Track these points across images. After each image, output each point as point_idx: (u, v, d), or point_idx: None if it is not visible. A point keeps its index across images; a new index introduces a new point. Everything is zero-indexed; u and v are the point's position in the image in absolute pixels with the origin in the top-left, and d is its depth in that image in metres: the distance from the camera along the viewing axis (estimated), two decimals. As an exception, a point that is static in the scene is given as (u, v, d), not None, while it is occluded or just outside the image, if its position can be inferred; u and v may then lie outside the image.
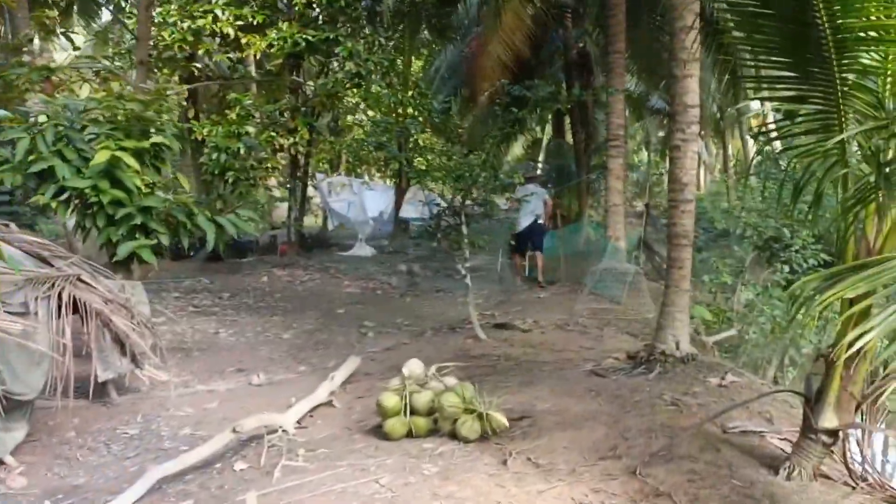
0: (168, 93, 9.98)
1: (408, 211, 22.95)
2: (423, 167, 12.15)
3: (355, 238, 22.84)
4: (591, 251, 16.17)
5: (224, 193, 15.88)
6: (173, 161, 9.73)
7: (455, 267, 18.01)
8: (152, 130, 8.81)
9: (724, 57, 17.06)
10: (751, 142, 40.87)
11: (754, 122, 48.81)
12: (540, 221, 16.48)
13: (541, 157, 39.40)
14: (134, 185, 8.29)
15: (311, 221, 28.84)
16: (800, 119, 5.07)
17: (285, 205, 26.35)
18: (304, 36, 16.45)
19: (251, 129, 16.72)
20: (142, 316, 7.67)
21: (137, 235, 8.50)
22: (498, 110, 11.76)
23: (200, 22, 16.49)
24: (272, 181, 23.58)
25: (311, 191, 24.58)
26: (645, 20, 19.00)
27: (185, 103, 21.86)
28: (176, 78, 19.84)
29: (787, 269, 12.80)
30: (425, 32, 22.98)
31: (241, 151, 16.15)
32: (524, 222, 16.38)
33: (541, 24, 23.62)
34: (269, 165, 17.21)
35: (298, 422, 7.14)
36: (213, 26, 16.55)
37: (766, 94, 6.03)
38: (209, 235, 8.59)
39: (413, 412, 6.64)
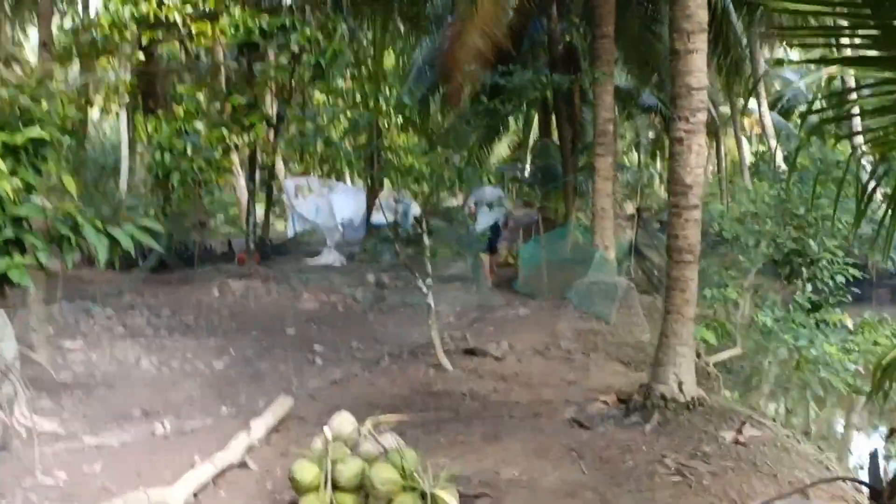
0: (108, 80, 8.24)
1: (380, 216, 21.24)
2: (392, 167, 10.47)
3: (325, 244, 21.16)
4: (578, 260, 14.53)
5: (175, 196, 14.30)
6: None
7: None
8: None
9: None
10: (745, 141, 39.52)
11: (747, 123, 47.65)
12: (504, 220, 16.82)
13: (528, 159, 37.85)
14: (3, 190, 6.60)
15: (283, 226, 27.19)
16: (872, 90, 3.40)
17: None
18: (257, 23, 14.76)
19: (200, 127, 15.01)
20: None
21: (11, 252, 6.81)
22: (479, 106, 10.08)
23: (144, 7, 14.78)
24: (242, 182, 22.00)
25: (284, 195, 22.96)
26: (634, 6, 17.40)
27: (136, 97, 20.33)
28: (127, 68, 18.22)
29: (809, 286, 11.00)
30: (398, 22, 21.25)
31: (189, 151, 14.48)
32: (483, 223, 16.95)
33: (523, 13, 22.05)
34: (219, 166, 15.49)
35: (196, 495, 5.49)
36: (158, 11, 14.85)
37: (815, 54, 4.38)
38: (100, 250, 6.90)
39: (337, 487, 5.03)
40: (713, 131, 41.74)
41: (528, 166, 35.20)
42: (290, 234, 23.76)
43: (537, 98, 9.21)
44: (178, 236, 19.32)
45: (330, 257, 20.16)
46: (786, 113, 41.99)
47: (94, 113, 22.15)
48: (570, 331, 11.11)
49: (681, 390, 6.73)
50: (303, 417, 7.47)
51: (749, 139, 41.16)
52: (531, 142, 38.81)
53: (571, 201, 22.75)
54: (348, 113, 15.36)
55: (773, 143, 33.04)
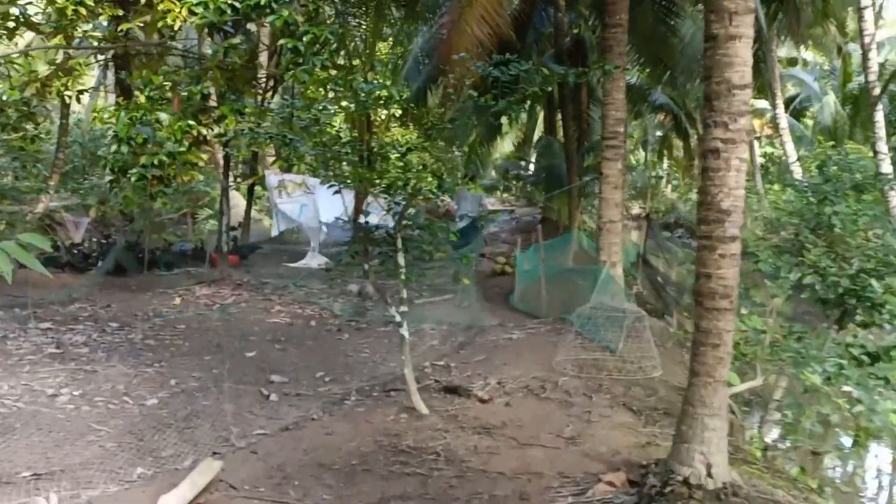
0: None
1: (369, 216, 19.67)
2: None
3: (310, 245, 19.65)
4: (582, 274, 12.99)
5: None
6: None
7: (425, 286, 15.05)
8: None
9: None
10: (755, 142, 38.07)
11: (757, 124, 46.19)
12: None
13: (532, 156, 36.32)
14: None
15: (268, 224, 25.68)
16: None
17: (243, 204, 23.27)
18: (228, 1, 13.18)
19: (164, 117, 13.44)
20: None
21: None
22: (470, 103, 8.57)
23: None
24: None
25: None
26: (648, -1, 15.89)
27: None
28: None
29: (861, 332, 9.32)
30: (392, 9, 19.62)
31: (149, 144, 12.93)
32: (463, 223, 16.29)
33: (527, 1, 20.57)
34: (185, 161, 13.92)
35: None
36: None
37: None
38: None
39: None
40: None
41: (531, 164, 33.73)
42: (275, 233, 22.23)
43: (538, 93, 7.63)
44: (149, 236, 17.89)
45: (313, 261, 18.67)
46: (798, 114, 40.53)
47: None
48: (570, 363, 9.59)
49: (710, 475, 5.22)
50: (233, 487, 5.98)
51: (759, 140, 39.63)
52: (535, 139, 37.41)
53: (576, 203, 21.28)
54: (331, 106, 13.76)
55: (790, 146, 31.60)
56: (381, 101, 9.46)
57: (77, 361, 9.41)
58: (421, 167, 7.74)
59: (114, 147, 12.83)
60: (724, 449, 5.39)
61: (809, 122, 40.75)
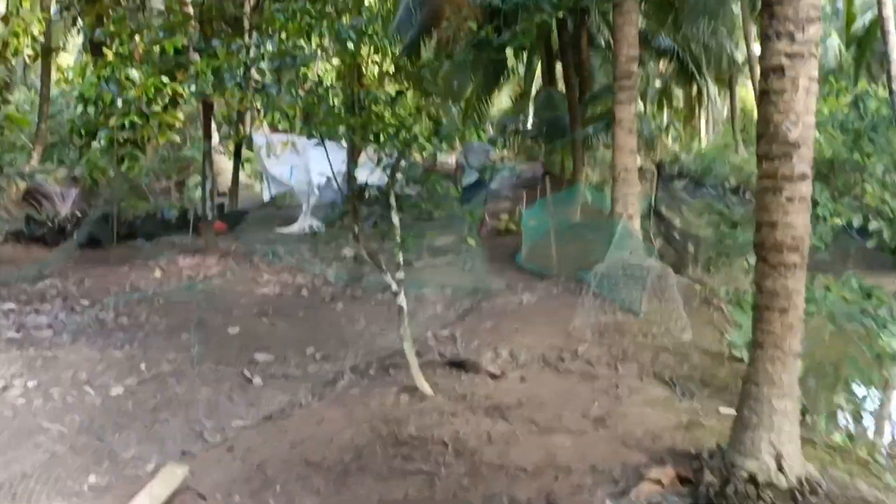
0: None
1: (364, 174, 18.54)
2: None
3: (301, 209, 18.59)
4: (594, 229, 11.97)
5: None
6: None
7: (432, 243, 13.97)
8: None
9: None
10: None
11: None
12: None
13: (530, 110, 35.02)
14: None
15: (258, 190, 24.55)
16: None
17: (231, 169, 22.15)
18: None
19: (134, 74, 12.35)
20: None
21: None
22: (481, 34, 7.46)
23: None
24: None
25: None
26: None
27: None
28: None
29: None
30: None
31: (119, 104, 11.89)
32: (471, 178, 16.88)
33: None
34: (161, 122, 12.85)
35: None
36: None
37: None
38: None
39: None
40: (721, 78, 39.07)
41: (530, 118, 32.52)
42: (266, 198, 21.10)
43: (545, 21, 6.52)
44: (131, 205, 16.85)
45: (305, 224, 17.62)
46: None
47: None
48: (589, 328, 8.60)
49: (781, 469, 4.22)
50: (201, 494, 5.00)
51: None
52: (534, 92, 36.19)
53: (580, 156, 20.20)
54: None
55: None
56: (369, 41, 8.32)
57: (37, 346, 8.39)
58: (415, 111, 6.67)
59: (80, 108, 11.78)
60: (797, 437, 4.39)
61: (811, 66, 39.57)
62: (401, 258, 7.06)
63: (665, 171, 18.49)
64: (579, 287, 10.38)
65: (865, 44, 39.53)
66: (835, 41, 39.43)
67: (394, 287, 7.02)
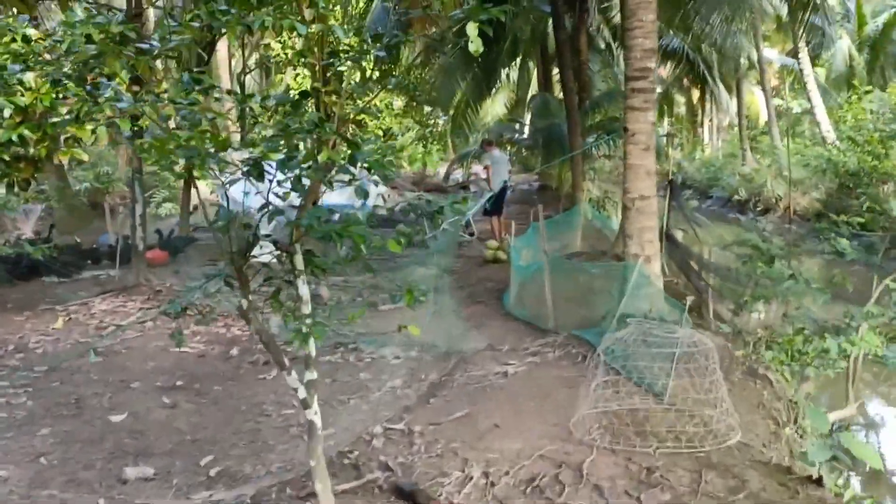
0: None
1: (332, 196, 16.16)
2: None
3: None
4: (605, 274, 9.55)
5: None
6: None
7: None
8: None
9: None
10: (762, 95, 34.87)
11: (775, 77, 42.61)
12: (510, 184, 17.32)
13: (526, 117, 32.66)
14: None
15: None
16: None
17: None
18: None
19: (29, 76, 9.82)
20: None
21: None
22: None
23: None
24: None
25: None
26: None
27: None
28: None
29: None
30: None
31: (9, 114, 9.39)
32: (497, 186, 16.54)
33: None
34: (66, 136, 10.36)
35: None
36: None
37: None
38: None
39: None
40: (728, 84, 36.91)
41: (526, 126, 30.23)
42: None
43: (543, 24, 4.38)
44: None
45: (264, 253, 15.17)
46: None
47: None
48: (597, 423, 6.19)
49: None
50: None
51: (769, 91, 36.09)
52: (529, 98, 34.04)
53: (580, 168, 17.88)
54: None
55: (815, 96, 28.23)
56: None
57: None
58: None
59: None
60: None
61: (820, 71, 37.66)
62: (312, 348, 4.65)
63: (678, 188, 16.03)
64: (582, 349, 8.00)
65: (879, 46, 37.60)
66: (845, 43, 37.70)
67: (301, 393, 4.61)
